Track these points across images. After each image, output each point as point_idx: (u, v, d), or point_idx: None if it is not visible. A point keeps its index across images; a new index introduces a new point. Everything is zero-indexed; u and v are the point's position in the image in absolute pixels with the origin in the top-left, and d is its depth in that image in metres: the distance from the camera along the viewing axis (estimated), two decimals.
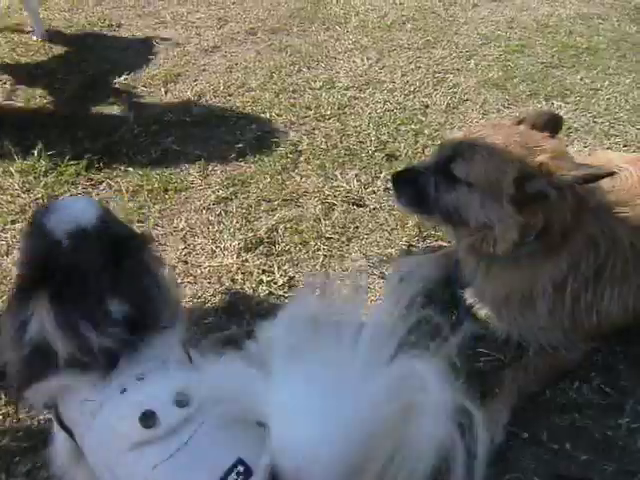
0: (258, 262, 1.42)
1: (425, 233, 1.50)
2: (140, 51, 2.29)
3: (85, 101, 1.99)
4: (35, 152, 1.74)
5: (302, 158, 1.77)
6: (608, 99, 2.15)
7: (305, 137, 1.86)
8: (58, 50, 2.26)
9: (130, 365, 0.72)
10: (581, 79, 2.27)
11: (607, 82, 2.25)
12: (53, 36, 2.34)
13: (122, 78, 2.10)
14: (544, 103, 2.12)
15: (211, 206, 1.59)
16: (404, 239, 1.49)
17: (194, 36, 2.43)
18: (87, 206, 0.79)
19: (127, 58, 2.24)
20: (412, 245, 1.48)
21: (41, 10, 2.42)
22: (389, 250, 1.47)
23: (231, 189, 1.65)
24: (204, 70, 2.21)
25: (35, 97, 2.00)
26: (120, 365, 0.72)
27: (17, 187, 1.64)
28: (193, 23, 2.52)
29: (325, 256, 1.45)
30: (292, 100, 2.04)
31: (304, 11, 2.68)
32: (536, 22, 2.71)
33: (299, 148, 1.81)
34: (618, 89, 2.21)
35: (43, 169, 1.69)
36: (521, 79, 2.25)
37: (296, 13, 2.65)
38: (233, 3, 2.71)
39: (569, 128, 1.98)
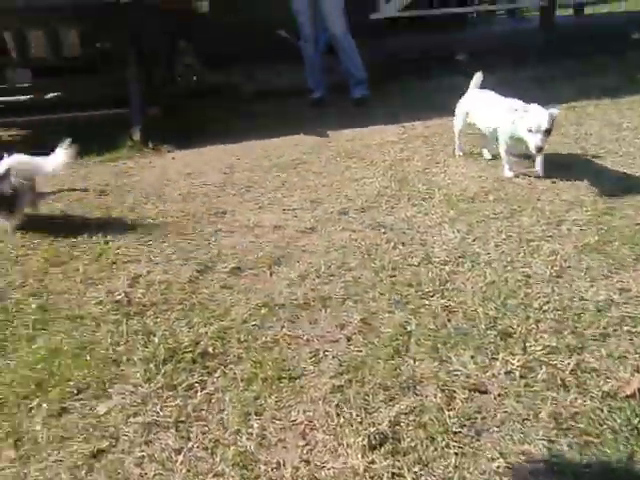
0: (385, 463, 1.33)
1: (565, 425, 1.38)
2: (245, 234, 2.50)
3: (199, 287, 2.13)
4: (156, 339, 1.84)
5: (412, 340, 1.75)
6: None
7: (412, 317, 1.86)
8: (174, 238, 2.50)
9: None
10: None
11: None
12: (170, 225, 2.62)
13: (231, 264, 2.26)
14: None
15: (327, 395, 1.57)
16: (540, 432, 1.38)
17: (291, 218, 2.64)
18: None
19: (234, 243, 2.44)
20: (552, 441, 1.35)
21: (160, 203, 2.76)
22: (525, 447, 1.35)
23: (345, 376, 1.63)
24: (304, 251, 2.35)
25: (154, 283, 2.17)
26: None
27: (139, 376, 1.70)
28: (289, 206, 2.76)
29: (456, 454, 1.34)
30: (392, 278, 2.10)
31: (389, 189, 2.88)
32: (617, 187, 2.76)
33: (408, 329, 1.80)
34: None
35: (162, 357, 1.77)
36: (621, 242, 2.23)
37: (382, 192, 2.86)
38: (323, 186, 2.97)
39: None
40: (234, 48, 4.98)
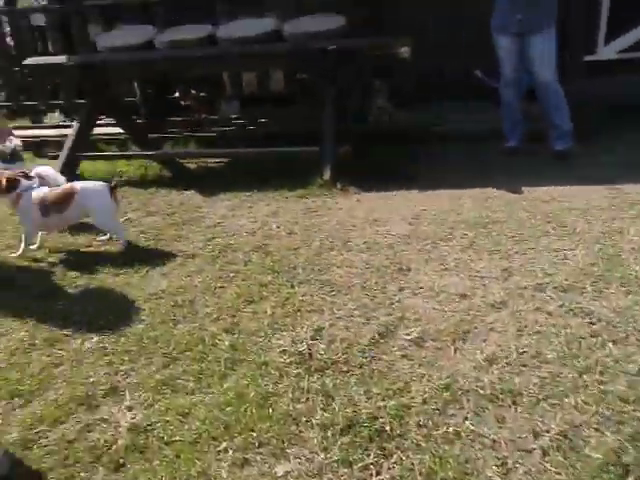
0: None
1: None
2: (429, 299, 2.40)
3: (379, 352, 2.08)
4: (335, 405, 1.83)
5: (631, 478, 1.47)
6: None
7: (628, 445, 1.57)
8: (357, 292, 2.51)
9: None
10: None
11: None
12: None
13: (414, 332, 2.18)
14: None
15: None
16: None
17: (479, 287, 2.47)
18: None
19: (417, 306, 2.35)
20: None
21: (345, 251, 2.83)
22: None
23: None
24: (492, 329, 2.17)
25: (335, 340, 2.18)
26: None
27: (316, 442, 1.70)
28: (478, 272, 2.58)
29: None
30: (601, 385, 1.81)
31: (596, 267, 2.53)
32: None
33: (623, 460, 1.52)
34: None
35: (340, 426, 1.75)
36: None
37: (587, 270, 2.52)
38: (516, 252, 2.74)
39: None
40: (427, 89, 4.95)
